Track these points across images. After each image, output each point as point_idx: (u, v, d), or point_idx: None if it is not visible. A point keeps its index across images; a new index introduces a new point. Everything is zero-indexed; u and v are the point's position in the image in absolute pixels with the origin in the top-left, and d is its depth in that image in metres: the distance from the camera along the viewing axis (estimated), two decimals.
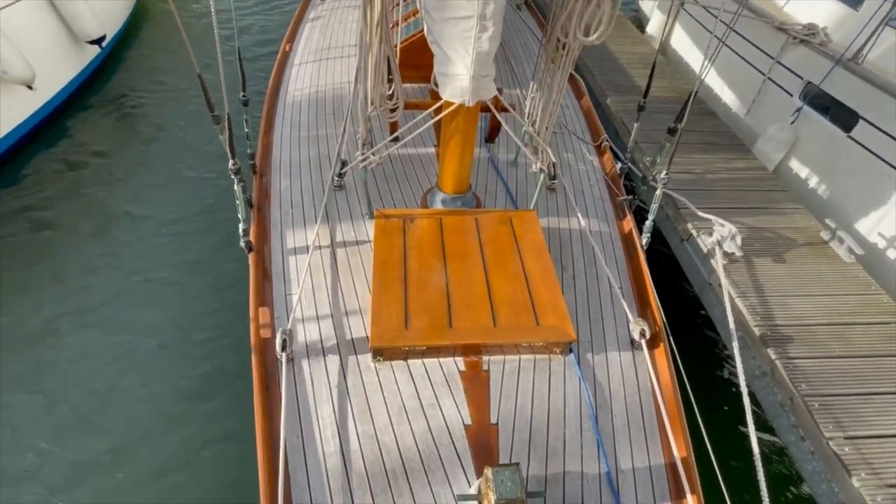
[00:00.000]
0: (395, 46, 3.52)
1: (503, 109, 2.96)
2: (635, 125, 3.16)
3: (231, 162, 2.29)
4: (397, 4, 4.05)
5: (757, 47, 4.69)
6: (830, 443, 2.25)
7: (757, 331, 2.72)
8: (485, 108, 2.67)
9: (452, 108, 2.30)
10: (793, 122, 4.26)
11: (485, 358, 2.18)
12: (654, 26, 6.51)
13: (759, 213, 3.51)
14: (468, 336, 2.11)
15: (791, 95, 4.30)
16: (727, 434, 2.31)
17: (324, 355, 2.18)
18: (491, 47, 2.07)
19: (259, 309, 2.31)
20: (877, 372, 2.56)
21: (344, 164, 2.98)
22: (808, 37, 4.14)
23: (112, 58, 6.56)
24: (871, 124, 3.56)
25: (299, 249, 2.68)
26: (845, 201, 3.79)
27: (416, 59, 3.60)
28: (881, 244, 3.48)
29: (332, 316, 2.35)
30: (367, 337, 2.18)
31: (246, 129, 2.98)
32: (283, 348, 2.06)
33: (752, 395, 2.80)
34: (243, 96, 2.88)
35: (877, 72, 3.68)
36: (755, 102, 4.72)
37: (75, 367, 3.37)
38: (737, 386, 2.20)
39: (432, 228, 2.60)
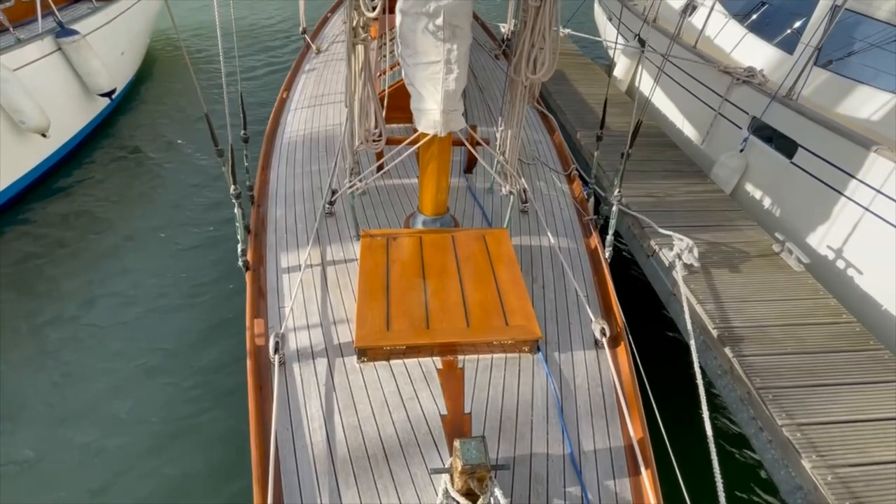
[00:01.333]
0: (384, 91, 3.95)
1: (477, 143, 3.33)
2: (595, 153, 3.53)
3: (232, 188, 2.59)
4: (384, 56, 4.54)
5: (708, 87, 5.22)
6: (784, 429, 2.43)
7: (715, 333, 2.95)
8: (460, 143, 3.02)
9: (427, 138, 2.64)
10: (742, 151, 4.70)
11: (460, 357, 2.39)
12: (620, 71, 7.14)
13: (716, 230, 3.84)
14: (444, 336, 2.33)
15: (740, 128, 4.76)
16: (686, 422, 2.49)
17: (313, 358, 2.38)
18: (457, 86, 2.43)
19: (254, 320, 2.53)
20: (824, 366, 2.77)
21: (334, 192, 3.29)
22: (749, 78, 4.65)
23: (121, 106, 7.05)
24: (809, 151, 3.97)
25: (292, 268, 2.93)
26: (793, 218, 4.14)
27: (403, 102, 4.01)
28: (827, 254, 3.79)
29: (321, 324, 2.56)
30: (353, 340, 2.39)
31: (246, 164, 3.31)
32: (276, 351, 2.26)
33: (714, 394, 2.98)
34: (244, 134, 3.24)
35: (811, 106, 4.14)
36: (709, 134, 5.19)
37: (77, 383, 3.52)
38: (695, 381, 2.41)
39: (413, 246, 2.87)
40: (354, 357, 2.36)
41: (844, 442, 2.38)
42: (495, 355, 2.42)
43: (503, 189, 3.08)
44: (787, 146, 4.23)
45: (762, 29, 5.35)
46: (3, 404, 3.38)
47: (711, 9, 5.69)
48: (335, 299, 2.73)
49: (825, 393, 2.61)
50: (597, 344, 2.58)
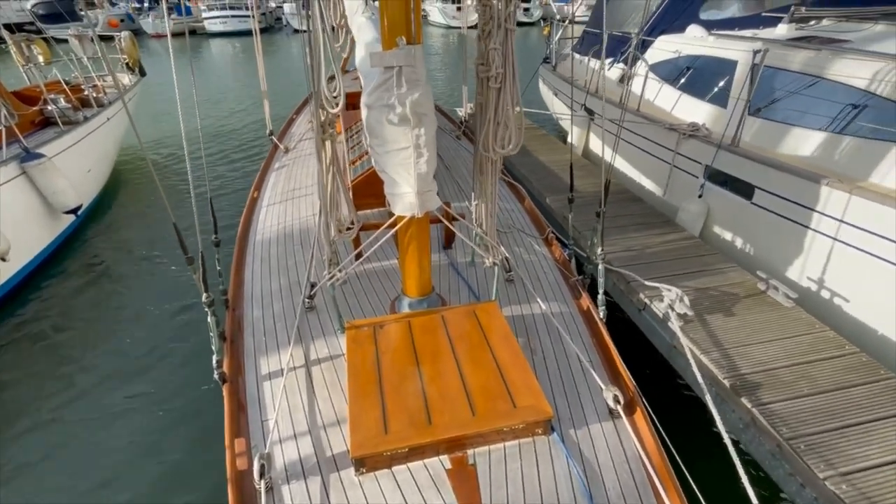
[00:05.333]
0: (355, 180, 4.01)
1: (453, 219, 3.34)
2: (570, 215, 3.59)
3: (204, 296, 2.43)
4: (352, 148, 4.68)
5: (659, 144, 5.58)
6: (828, 483, 2.24)
7: (727, 383, 2.82)
8: (437, 220, 3.02)
9: (405, 220, 2.61)
10: (700, 196, 4.93)
11: (469, 451, 2.15)
12: (574, 137, 7.63)
13: (699, 276, 3.86)
14: (449, 430, 2.11)
15: (696, 176, 5.03)
16: (723, 490, 2.27)
17: (304, 478, 2.09)
18: (429, 168, 2.46)
19: (235, 440, 2.25)
20: (845, 404, 2.65)
21: (314, 285, 3.16)
22: (694, 132, 5.02)
23: (87, 221, 6.90)
24: (765, 191, 4.18)
25: (273, 374, 2.69)
26: (766, 255, 4.24)
27: (374, 189, 4.08)
28: (809, 286, 3.84)
29: (310, 433, 2.30)
30: (348, 449, 2.13)
31: (218, 268, 3.18)
32: (262, 475, 1.98)
33: (742, 451, 2.78)
34: (215, 238, 3.14)
35: (753, 150, 4.44)
36: (668, 185, 5.46)
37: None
38: (722, 440, 2.23)
39: (402, 331, 2.72)
40: (351, 469, 2.09)
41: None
42: (507, 443, 2.20)
43: (486, 261, 3.03)
44: (743, 188, 4.45)
45: (693, 89, 5.89)
46: None
47: (646, 75, 6.27)
48: (324, 403, 2.49)
49: (856, 434, 2.47)
50: (612, 413, 2.40)
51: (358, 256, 3.31)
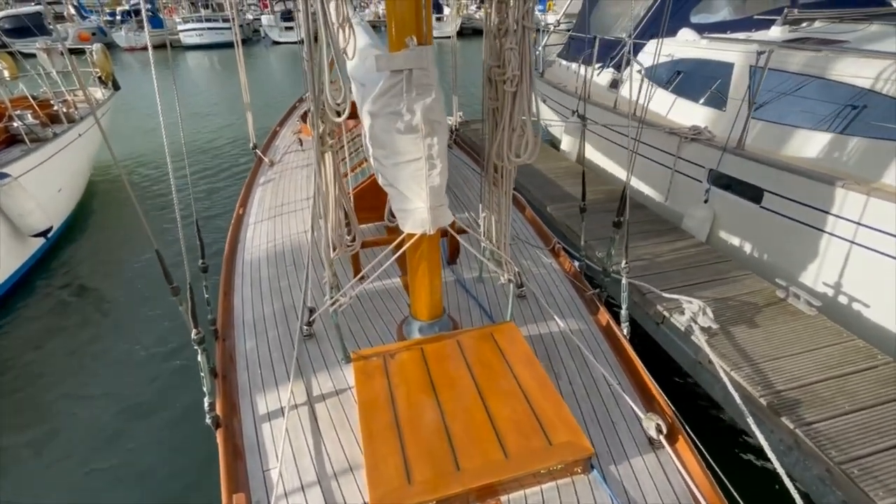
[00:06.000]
0: (349, 193, 3.76)
1: (461, 231, 3.12)
2: (582, 225, 3.40)
3: (194, 332, 2.14)
4: (343, 160, 4.43)
5: (658, 149, 5.47)
6: None
7: (763, 401, 2.64)
8: (442, 233, 2.80)
9: (415, 238, 2.37)
10: (706, 202, 4.81)
11: (503, 498, 1.91)
12: (566, 145, 7.51)
13: (716, 285, 3.70)
14: (480, 476, 1.86)
15: (699, 181, 4.92)
16: None
17: None
18: (441, 181, 2.23)
19: (233, 496, 1.96)
20: (891, 420, 2.50)
21: (312, 311, 2.90)
22: (696, 136, 4.91)
23: (58, 244, 6.46)
24: (775, 194, 4.07)
25: (273, 414, 2.41)
26: (779, 261, 4.12)
27: (369, 202, 3.83)
28: (828, 292, 3.72)
29: (319, 483, 2.02)
30: (366, 502, 1.87)
31: (206, 295, 2.89)
32: None
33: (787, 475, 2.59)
34: (202, 263, 2.85)
35: (756, 152, 4.35)
36: (670, 191, 5.35)
37: None
38: (763, 463, 2.04)
39: (415, 360, 2.47)
40: None
41: None
42: (544, 485, 1.96)
43: (501, 278, 2.81)
44: (750, 192, 4.35)
45: (686, 92, 5.82)
46: None
47: (642, 80, 6.19)
48: (332, 446, 2.22)
49: None
50: (653, 444, 2.19)
51: (362, 277, 3.06)
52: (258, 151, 5.94)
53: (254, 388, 2.57)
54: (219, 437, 2.24)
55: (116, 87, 9.30)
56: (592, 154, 7.01)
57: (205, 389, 2.22)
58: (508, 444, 1.99)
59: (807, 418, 2.52)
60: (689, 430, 2.17)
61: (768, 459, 2.10)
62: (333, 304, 2.53)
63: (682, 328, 3.21)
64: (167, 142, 2.01)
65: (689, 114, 5.55)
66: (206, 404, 2.23)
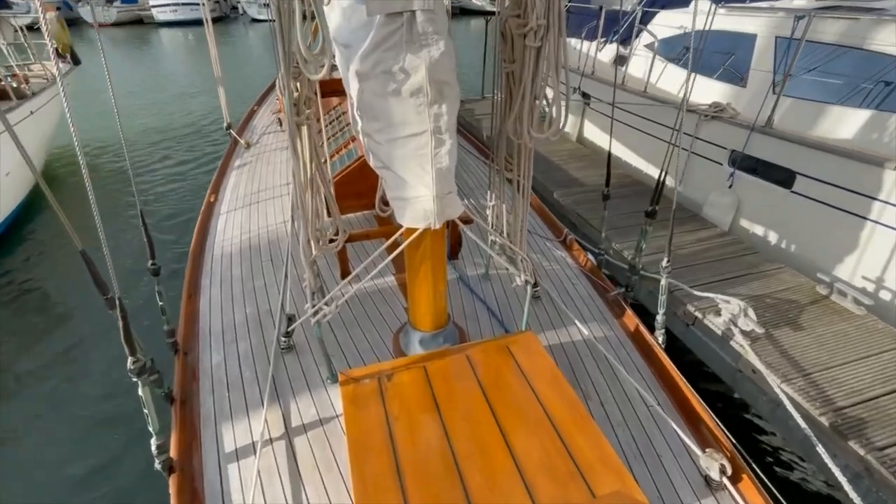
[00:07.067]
0: (336, 176, 3.25)
1: (467, 221, 2.66)
2: (604, 214, 2.97)
3: (130, 360, 1.64)
4: (330, 138, 3.91)
5: (672, 129, 5.03)
6: None
7: (825, 421, 2.26)
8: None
9: (416, 234, 1.90)
10: (730, 187, 4.41)
11: None
12: (567, 126, 7.05)
13: (749, 281, 3.31)
14: None
15: (720, 164, 4.51)
16: None
17: None
18: (451, 161, 1.76)
19: None
20: None
21: (290, 319, 2.42)
22: (718, 113, 4.48)
23: (5, 236, 5.81)
24: (811, 178, 3.68)
25: (242, 451, 1.95)
26: (813, 252, 3.75)
27: (355, 189, 3.33)
28: (868, 287, 3.36)
29: None
30: None
31: (160, 303, 2.38)
32: None
33: None
34: (153, 264, 2.34)
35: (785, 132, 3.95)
36: (684, 175, 4.94)
37: None
38: (819, 488, 1.66)
39: (417, 382, 2.01)
40: None
41: None
42: None
43: (517, 279, 2.36)
44: (780, 175, 3.95)
45: (702, 67, 5.38)
46: None
47: (654, 57, 5.72)
48: (315, 493, 1.78)
49: None
50: (710, 484, 1.79)
51: (346, 275, 2.58)
52: (233, 132, 5.38)
53: (220, 417, 2.10)
54: (172, 485, 1.78)
55: (76, 61, 8.48)
56: (595, 136, 6.57)
57: (151, 429, 1.74)
58: (540, 495, 1.56)
59: (876, 441, 2.16)
60: (755, 467, 1.77)
61: (826, 484, 1.72)
62: (316, 314, 2.06)
63: (719, 332, 2.82)
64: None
65: (706, 91, 5.11)
66: (153, 446, 1.75)
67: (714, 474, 1.73)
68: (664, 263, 2.30)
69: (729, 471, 1.71)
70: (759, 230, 4.21)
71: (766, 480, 1.73)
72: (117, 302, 1.55)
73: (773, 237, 4.09)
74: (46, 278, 5.17)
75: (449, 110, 1.66)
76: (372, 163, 1.86)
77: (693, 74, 2.51)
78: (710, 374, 3.10)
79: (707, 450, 1.79)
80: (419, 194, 1.78)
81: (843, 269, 3.53)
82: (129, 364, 1.64)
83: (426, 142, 1.69)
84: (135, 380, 1.67)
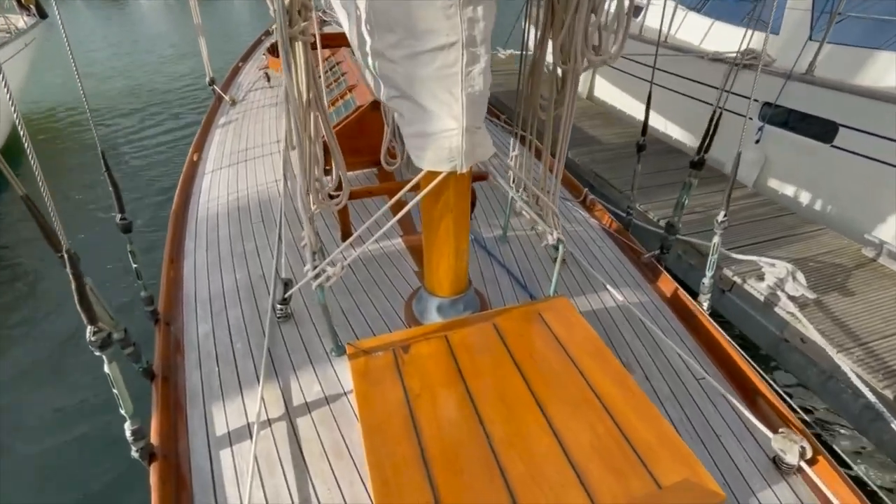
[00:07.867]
0: (335, 126, 2.89)
1: (481, 178, 2.34)
2: (637, 168, 2.65)
3: (90, 330, 1.32)
4: (327, 87, 3.52)
5: (698, 82, 4.66)
6: None
7: (889, 393, 2.04)
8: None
9: (438, 179, 1.57)
10: (757, 142, 4.10)
11: None
12: None
13: (789, 244, 3.04)
14: None
15: (748, 118, 4.17)
16: None
17: None
18: (485, 85, 1.41)
19: None
20: None
21: (287, 284, 2.11)
22: (752, 61, 4.11)
23: None
24: (857, 130, 3.36)
25: (236, 434, 1.67)
26: (853, 211, 3.46)
27: (353, 144, 2.95)
28: None
29: None
30: None
31: (134, 265, 2.05)
32: None
33: None
34: (122, 219, 1.98)
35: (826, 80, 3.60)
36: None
37: None
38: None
39: (439, 354, 1.72)
40: None
41: None
42: None
43: (549, 237, 2.06)
44: (820, 128, 3.62)
45: (728, 15, 4.95)
46: None
47: (676, 5, 5.27)
48: (324, 486, 1.51)
49: None
50: (780, 469, 1.56)
51: (348, 237, 2.27)
52: (216, 88, 4.93)
53: (209, 395, 1.81)
54: (153, 474, 1.51)
55: (42, 14, 7.77)
56: (607, 93, 6.15)
57: (123, 411, 1.44)
58: (595, 486, 1.30)
59: None
60: (833, 447, 1.54)
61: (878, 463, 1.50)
62: (318, 276, 1.75)
63: (762, 298, 2.56)
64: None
65: (733, 41, 4.71)
66: (127, 431, 1.46)
67: (791, 458, 1.48)
68: (720, 218, 2.01)
69: (809, 453, 1.47)
70: (789, 189, 3.92)
71: (847, 461, 1.50)
72: (66, 256, 1.22)
73: (805, 197, 3.80)
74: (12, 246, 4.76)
75: (485, 14, 1.30)
76: (384, 94, 1.51)
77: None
78: (742, 344, 2.87)
79: (782, 430, 1.55)
80: (446, 127, 1.44)
81: (890, 229, 3.27)
82: (88, 335, 1.32)
83: (456, 58, 1.33)
84: (97, 353, 1.35)
